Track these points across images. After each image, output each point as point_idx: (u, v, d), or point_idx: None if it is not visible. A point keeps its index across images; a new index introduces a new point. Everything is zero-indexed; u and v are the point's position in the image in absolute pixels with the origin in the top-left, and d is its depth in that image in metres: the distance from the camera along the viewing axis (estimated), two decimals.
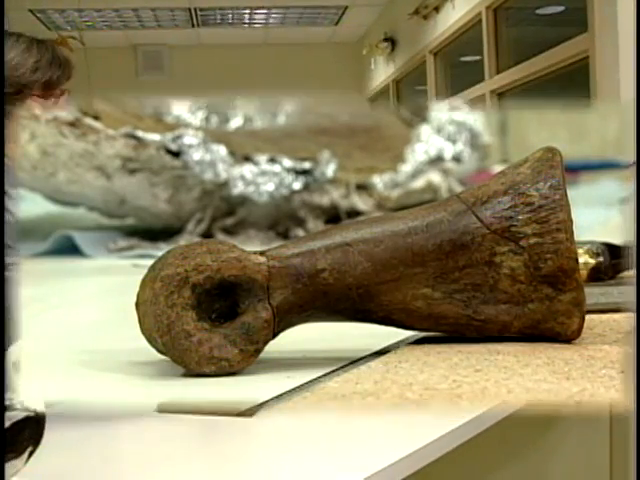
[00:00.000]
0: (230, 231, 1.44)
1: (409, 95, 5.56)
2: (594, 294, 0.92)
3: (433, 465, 0.60)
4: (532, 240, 0.78)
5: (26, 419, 1.03)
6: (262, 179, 1.44)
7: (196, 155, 1.47)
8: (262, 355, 0.71)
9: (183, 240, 1.38)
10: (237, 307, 0.78)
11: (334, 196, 1.49)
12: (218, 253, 0.82)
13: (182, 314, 0.79)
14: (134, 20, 5.82)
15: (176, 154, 1.59)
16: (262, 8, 5.70)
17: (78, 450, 1.33)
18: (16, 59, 1.45)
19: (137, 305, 0.75)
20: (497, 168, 1.38)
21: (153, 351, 0.75)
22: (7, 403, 1.05)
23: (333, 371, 0.68)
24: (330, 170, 1.49)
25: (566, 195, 0.76)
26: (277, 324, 0.77)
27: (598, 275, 0.98)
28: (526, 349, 0.83)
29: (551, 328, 0.82)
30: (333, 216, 1.48)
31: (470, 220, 0.79)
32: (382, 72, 5.84)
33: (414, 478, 0.60)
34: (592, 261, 1.02)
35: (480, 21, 3.63)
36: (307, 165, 1.48)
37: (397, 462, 0.98)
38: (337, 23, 6.07)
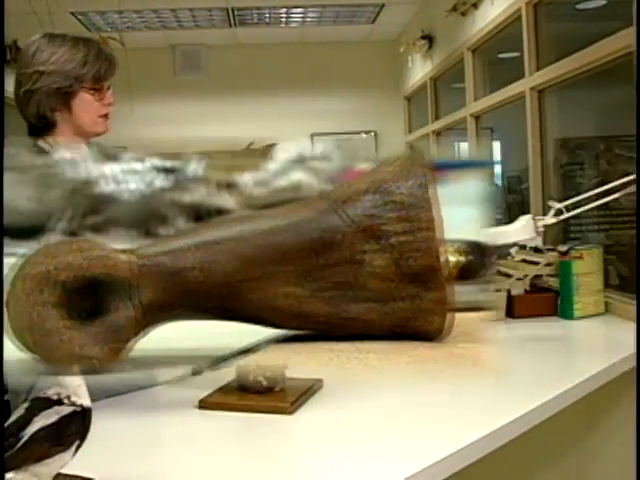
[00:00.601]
0: (97, 229, 1.37)
1: (446, 93, 5.52)
2: (464, 292, 0.89)
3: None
4: (400, 238, 0.74)
5: (73, 413, 1.05)
6: (128, 177, 1.41)
7: (61, 153, 1.45)
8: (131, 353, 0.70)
9: (48, 239, 1.29)
10: (105, 305, 0.77)
11: (201, 194, 1.46)
12: (87, 251, 0.80)
13: (51, 312, 0.78)
14: (172, 20, 5.88)
15: (42, 152, 1.62)
16: (299, 7, 5.71)
17: (123, 441, 1.35)
18: (65, 55, 1.59)
19: (7, 303, 0.74)
20: (365, 166, 1.32)
21: None
22: (55, 398, 1.07)
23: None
24: (197, 169, 1.47)
25: (434, 194, 0.73)
26: (145, 322, 0.76)
27: (468, 273, 0.96)
28: (394, 347, 0.81)
29: (419, 326, 0.79)
30: (200, 215, 1.44)
31: (337, 218, 0.76)
32: (419, 70, 5.81)
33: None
34: (462, 259, 0.99)
35: (520, 17, 3.58)
36: (174, 164, 1.46)
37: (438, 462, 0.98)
38: (374, 21, 6.05)
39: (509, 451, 1.45)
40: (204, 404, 1.55)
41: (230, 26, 6.06)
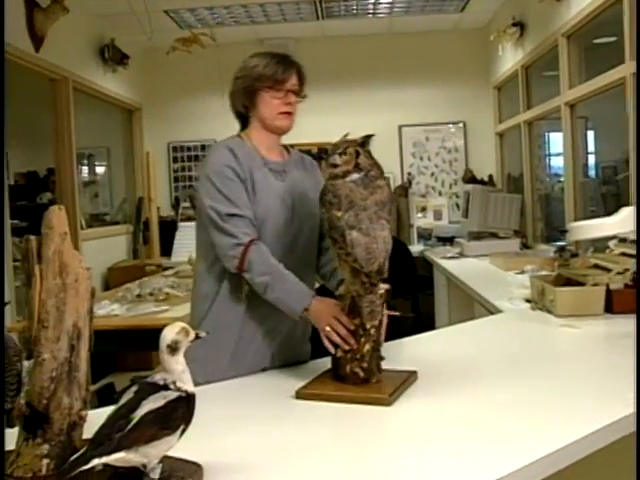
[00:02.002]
0: None
1: (538, 81, 5.36)
2: None
3: None
4: None
5: (179, 398, 1.09)
6: None
7: None
8: None
9: None
10: None
11: None
12: None
13: None
14: (260, 15, 5.95)
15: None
16: None
17: (223, 428, 1.38)
18: (253, 62, 1.95)
19: None
20: None
21: None
22: (161, 383, 1.11)
23: None
24: None
25: None
26: None
27: None
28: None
29: None
30: None
31: None
32: (510, 58, 5.66)
33: None
34: None
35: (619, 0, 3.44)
36: None
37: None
38: (463, 9, 5.93)
39: (611, 453, 1.40)
40: (301, 395, 1.56)
41: (317, 19, 6.08)
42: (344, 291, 1.67)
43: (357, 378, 1.63)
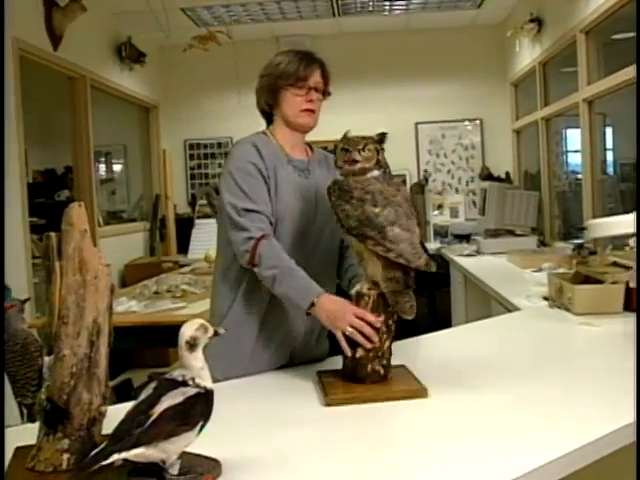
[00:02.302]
0: None
1: (556, 77, 5.32)
2: None
3: None
4: None
5: (197, 395, 1.09)
6: None
7: None
8: None
9: None
10: None
11: None
12: None
13: None
14: (277, 12, 5.96)
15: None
16: None
17: (242, 425, 1.38)
18: (276, 60, 1.95)
19: None
20: None
21: None
22: (180, 379, 1.12)
23: None
24: None
25: None
26: None
27: None
28: None
29: None
30: None
31: None
32: (527, 54, 5.63)
33: None
34: None
35: None
36: None
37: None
38: (480, 5, 5.90)
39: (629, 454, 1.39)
40: (334, 402, 1.53)
41: (334, 16, 6.08)
42: (365, 289, 1.64)
43: (378, 376, 1.62)
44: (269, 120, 2.01)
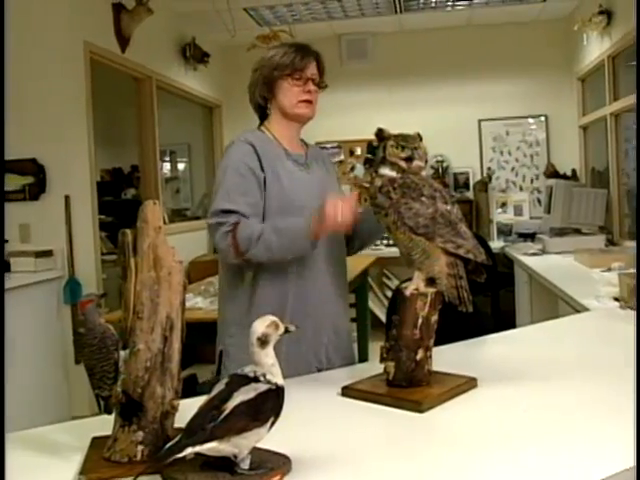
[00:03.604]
0: None
1: (626, 71, 5.16)
2: None
3: None
4: None
5: (269, 391, 1.10)
6: None
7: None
8: None
9: None
10: None
11: None
12: None
13: None
14: (338, 11, 5.96)
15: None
16: None
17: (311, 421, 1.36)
18: (271, 53, 1.94)
19: None
20: None
21: None
22: (252, 375, 1.13)
23: None
24: None
25: None
26: None
27: None
28: None
29: None
30: None
31: None
32: (596, 48, 5.47)
33: None
34: None
35: None
36: None
37: None
38: None
39: None
40: (425, 408, 1.48)
41: (395, 13, 6.04)
42: (423, 288, 1.59)
43: (429, 377, 1.59)
44: (263, 116, 2.00)
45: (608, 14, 5.04)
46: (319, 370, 1.90)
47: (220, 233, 1.77)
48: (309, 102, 1.93)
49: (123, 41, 4.75)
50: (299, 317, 1.83)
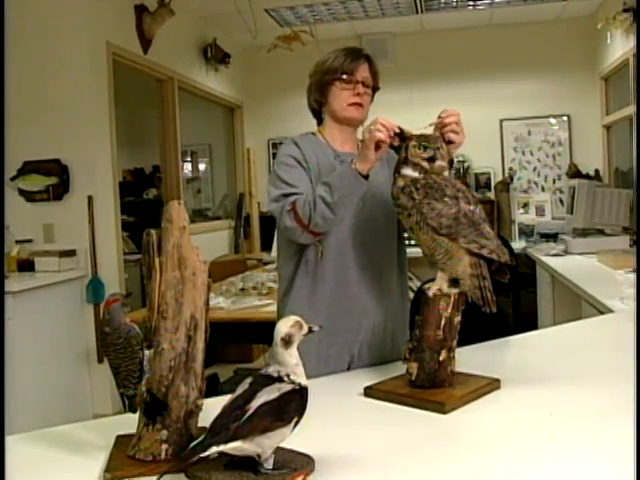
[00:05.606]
0: None
1: None
2: None
3: None
4: None
5: (292, 391, 1.10)
6: None
7: None
8: None
9: None
10: None
11: None
12: None
13: None
14: (359, 11, 5.96)
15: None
16: None
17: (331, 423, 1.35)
18: (325, 57, 1.99)
19: None
20: None
21: None
22: (275, 375, 1.13)
23: None
24: None
25: None
26: None
27: None
28: None
29: None
30: None
31: None
32: (619, 47, 5.42)
33: None
34: None
35: None
36: None
37: None
38: None
39: None
40: (449, 409, 1.47)
41: (416, 12, 6.03)
42: (446, 288, 1.59)
43: (452, 378, 1.58)
44: (319, 120, 2.04)
45: (633, 12, 4.98)
46: (349, 366, 1.92)
47: (283, 214, 1.81)
48: (359, 105, 1.94)
49: (145, 42, 4.78)
50: (337, 309, 1.89)
